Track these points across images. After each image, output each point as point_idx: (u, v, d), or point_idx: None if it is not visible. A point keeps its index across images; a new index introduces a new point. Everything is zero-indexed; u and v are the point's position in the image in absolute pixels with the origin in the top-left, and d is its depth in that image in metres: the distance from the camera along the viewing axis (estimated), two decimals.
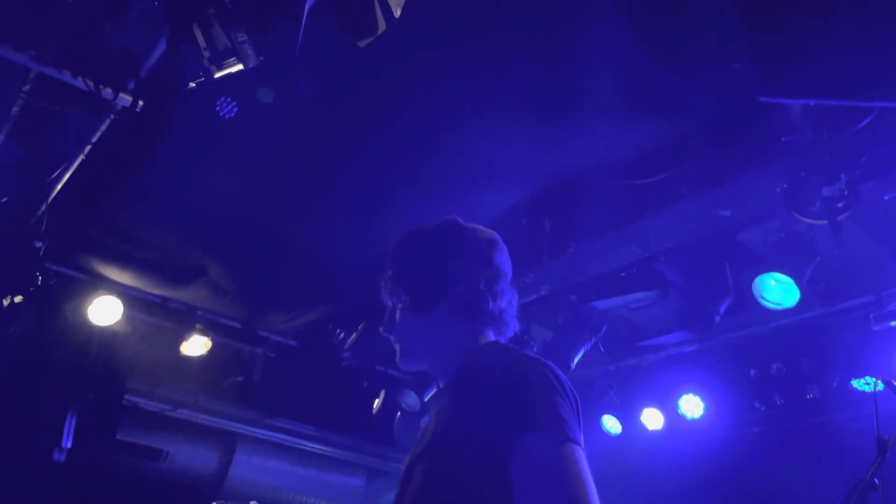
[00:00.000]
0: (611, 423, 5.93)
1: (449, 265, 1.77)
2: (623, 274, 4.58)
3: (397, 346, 1.83)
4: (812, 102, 2.67)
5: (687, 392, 5.39)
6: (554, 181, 4.20)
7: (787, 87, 2.03)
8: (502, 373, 1.54)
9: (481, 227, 1.88)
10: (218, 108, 3.32)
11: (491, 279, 1.78)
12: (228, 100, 3.29)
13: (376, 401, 6.00)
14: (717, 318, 4.34)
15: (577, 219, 4.28)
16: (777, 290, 3.97)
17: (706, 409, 5.32)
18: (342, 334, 5.89)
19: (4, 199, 4.12)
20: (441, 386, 1.80)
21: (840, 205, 3.28)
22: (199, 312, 5.64)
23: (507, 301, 1.81)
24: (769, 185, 3.70)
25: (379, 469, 7.11)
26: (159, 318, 5.57)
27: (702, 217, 4.19)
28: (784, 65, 1.99)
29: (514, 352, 1.63)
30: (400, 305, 1.80)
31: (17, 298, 4.57)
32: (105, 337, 5.40)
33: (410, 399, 6.14)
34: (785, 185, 3.50)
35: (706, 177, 3.91)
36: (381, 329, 1.84)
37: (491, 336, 1.77)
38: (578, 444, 1.46)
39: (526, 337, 5.41)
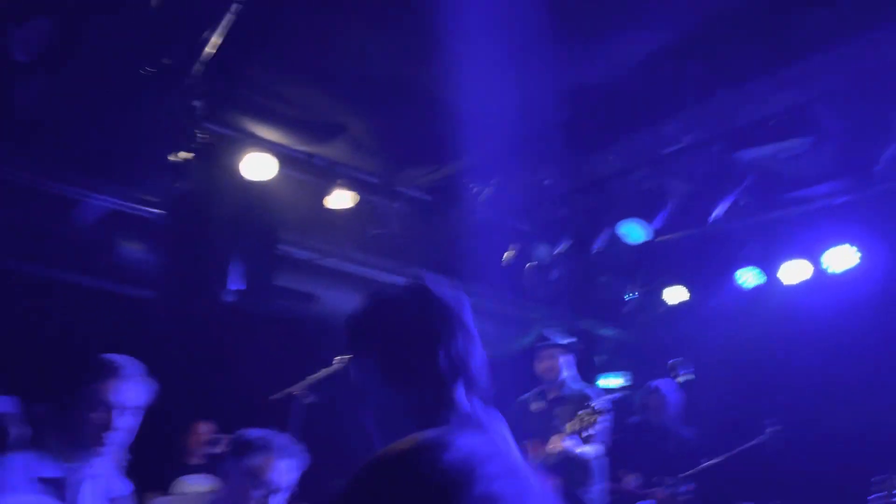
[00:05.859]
0: (745, 278, 5.85)
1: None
2: (775, 120, 4.34)
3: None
4: None
5: (835, 244, 5.18)
6: (705, 19, 3.94)
7: None
8: None
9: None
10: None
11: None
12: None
13: (507, 253, 6.19)
14: (878, 167, 4.09)
15: (728, 61, 4.04)
16: None
17: (859, 260, 5.12)
18: (476, 188, 6.02)
19: (167, 61, 4.38)
20: None
21: None
22: (341, 168, 5.90)
23: None
24: None
25: (509, 316, 7.43)
26: (305, 173, 5.88)
27: (866, 55, 3.85)
28: None
29: None
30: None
31: (183, 155, 4.95)
32: (258, 191, 5.79)
33: (541, 251, 6.30)
34: None
35: (872, 10, 3.56)
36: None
37: None
38: None
39: (659, 192, 5.34)
